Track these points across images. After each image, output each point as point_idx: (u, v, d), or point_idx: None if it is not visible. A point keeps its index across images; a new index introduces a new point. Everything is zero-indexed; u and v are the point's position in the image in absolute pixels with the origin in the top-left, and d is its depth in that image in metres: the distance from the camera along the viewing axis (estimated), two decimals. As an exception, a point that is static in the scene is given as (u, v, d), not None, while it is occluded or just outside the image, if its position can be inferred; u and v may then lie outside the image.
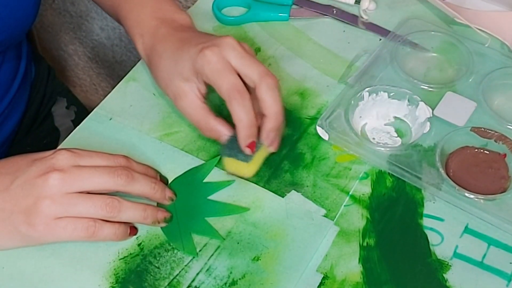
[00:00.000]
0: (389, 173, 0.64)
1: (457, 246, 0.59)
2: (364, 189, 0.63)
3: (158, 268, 0.58)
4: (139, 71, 0.74)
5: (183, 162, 0.65)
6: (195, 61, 0.60)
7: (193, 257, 0.59)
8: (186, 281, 0.57)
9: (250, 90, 0.60)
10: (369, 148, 0.65)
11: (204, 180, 0.64)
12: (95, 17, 1.39)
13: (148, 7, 0.70)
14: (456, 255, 0.58)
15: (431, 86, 0.69)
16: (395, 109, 0.69)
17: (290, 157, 0.65)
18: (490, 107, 0.67)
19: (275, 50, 0.76)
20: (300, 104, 0.70)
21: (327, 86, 0.72)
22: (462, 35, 0.74)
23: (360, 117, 0.68)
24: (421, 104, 0.67)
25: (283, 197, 0.62)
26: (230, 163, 0.62)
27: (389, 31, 0.75)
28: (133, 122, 0.69)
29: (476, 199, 0.60)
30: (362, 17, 0.78)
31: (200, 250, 0.59)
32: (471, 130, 0.65)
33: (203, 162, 0.65)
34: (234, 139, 0.61)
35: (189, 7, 0.81)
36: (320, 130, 0.66)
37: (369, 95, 0.68)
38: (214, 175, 0.64)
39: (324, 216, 0.61)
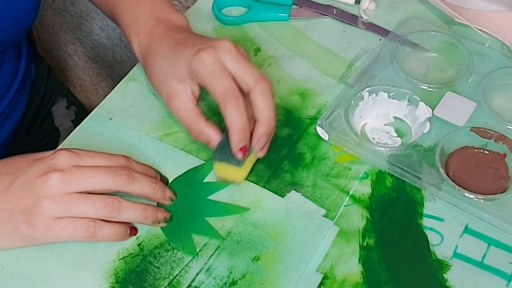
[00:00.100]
0: (389, 173, 0.64)
1: (457, 246, 0.59)
2: (364, 189, 0.63)
3: (158, 268, 0.58)
4: (139, 71, 0.74)
5: (183, 162, 0.65)
6: (191, 62, 0.60)
7: (193, 257, 0.59)
8: (186, 281, 0.57)
9: (244, 94, 0.60)
10: (369, 148, 0.65)
11: (204, 180, 0.64)
12: (95, 17, 1.39)
13: (144, 7, 0.69)
14: (456, 255, 0.58)
15: (431, 86, 0.69)
16: (395, 109, 0.69)
17: (290, 157, 0.65)
18: (490, 107, 0.67)
19: (275, 50, 0.76)
20: (300, 104, 0.70)
21: (327, 86, 0.72)
22: (462, 35, 0.74)
23: (360, 117, 0.68)
24: (421, 104, 0.67)
25: (283, 197, 0.62)
26: (221, 168, 0.62)
27: (389, 31, 0.75)
28: (133, 122, 0.69)
29: (476, 199, 0.60)
30: (362, 17, 0.78)
31: (200, 250, 0.59)
32: (471, 130, 0.65)
33: (203, 162, 0.65)
34: (225, 143, 0.60)
35: (189, 7, 0.81)
36: (320, 130, 0.66)
37: (369, 95, 0.68)
38: (214, 175, 0.64)
39: (324, 216, 0.61)
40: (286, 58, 0.75)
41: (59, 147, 0.64)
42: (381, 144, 0.66)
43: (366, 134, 0.67)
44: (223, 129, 0.62)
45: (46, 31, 1.53)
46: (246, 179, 0.63)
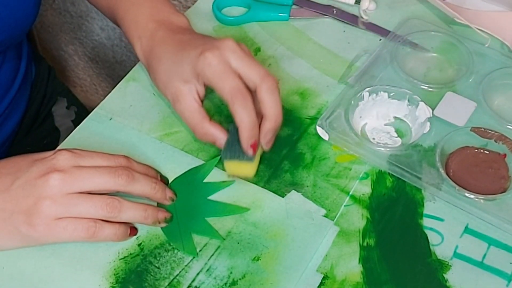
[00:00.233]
0: (389, 173, 0.64)
1: (457, 246, 0.59)
2: (364, 189, 0.63)
3: (158, 268, 0.58)
4: (139, 71, 0.74)
5: (183, 162, 0.65)
6: (196, 63, 0.61)
7: (193, 257, 0.59)
8: (186, 281, 0.57)
9: (250, 91, 0.60)
10: (369, 148, 0.65)
11: (204, 180, 0.64)
12: (95, 17, 1.39)
13: (144, 8, 0.69)
14: (456, 255, 0.58)
15: (431, 86, 0.69)
16: (395, 109, 0.69)
17: (290, 157, 0.65)
18: (490, 107, 0.67)
19: (275, 50, 0.76)
20: (300, 104, 0.70)
21: (327, 86, 0.72)
22: (462, 35, 0.74)
23: (360, 117, 0.68)
24: (421, 104, 0.67)
25: (283, 197, 0.62)
26: (232, 165, 0.62)
27: (389, 31, 0.75)
28: (133, 122, 0.69)
29: (476, 199, 0.60)
30: (362, 17, 0.78)
31: (200, 250, 0.59)
32: (471, 130, 0.65)
33: (203, 162, 0.65)
34: (233, 141, 0.61)
35: (189, 7, 0.81)
36: (320, 130, 0.66)
37: (369, 95, 0.68)
38: (214, 175, 0.64)
39: (324, 216, 0.61)
40: (286, 58, 0.75)
41: (59, 147, 0.64)
42: (381, 144, 0.66)
43: (366, 134, 0.67)
44: (227, 128, 0.62)
45: (46, 31, 1.53)
46: (246, 179, 0.63)
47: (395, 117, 0.69)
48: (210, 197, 0.62)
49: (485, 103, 0.67)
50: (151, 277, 0.57)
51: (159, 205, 0.61)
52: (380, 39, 0.76)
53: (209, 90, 0.63)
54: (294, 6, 0.79)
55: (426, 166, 0.63)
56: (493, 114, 0.67)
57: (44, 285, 0.57)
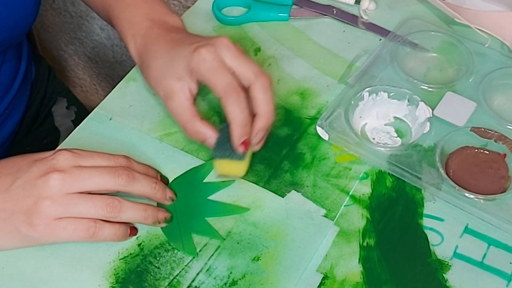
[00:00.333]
0: (389, 173, 0.64)
1: (457, 246, 0.59)
2: (364, 189, 0.63)
3: (158, 268, 0.58)
4: (139, 71, 0.73)
5: (183, 162, 0.65)
6: (190, 59, 0.60)
7: (193, 257, 0.59)
8: (186, 281, 0.57)
9: (244, 89, 0.60)
10: (369, 148, 0.65)
11: (204, 180, 0.64)
12: (95, 17, 1.39)
13: (140, 8, 0.70)
14: (456, 255, 0.58)
15: (431, 86, 0.69)
16: (395, 109, 0.69)
17: (290, 157, 0.65)
18: (490, 107, 0.67)
19: (275, 50, 0.76)
20: (300, 104, 0.70)
21: (327, 86, 0.72)
22: (462, 35, 0.74)
23: (360, 117, 0.68)
24: (421, 104, 0.67)
25: (283, 197, 0.62)
26: (222, 165, 0.62)
27: (389, 31, 0.75)
28: (133, 122, 0.69)
29: (476, 199, 0.60)
30: (362, 17, 0.78)
31: (200, 250, 0.59)
32: (471, 130, 0.65)
33: (203, 162, 0.65)
34: (224, 140, 0.61)
35: (189, 7, 0.81)
36: (320, 130, 0.66)
37: (369, 95, 0.68)
38: (214, 175, 0.64)
39: (324, 216, 0.61)
40: (286, 58, 0.75)
41: (59, 147, 0.64)
42: (381, 144, 0.66)
43: (366, 134, 0.67)
44: (219, 128, 0.62)
45: (46, 31, 1.53)
46: (246, 179, 0.63)
47: (395, 117, 0.69)
48: (210, 197, 0.62)
49: (485, 103, 0.67)
50: (151, 277, 0.57)
51: (159, 205, 0.61)
52: (380, 39, 0.76)
53: (207, 92, 0.63)
54: (294, 6, 0.79)
55: (426, 166, 0.63)
56: (493, 114, 0.67)
57: (44, 285, 0.57)
